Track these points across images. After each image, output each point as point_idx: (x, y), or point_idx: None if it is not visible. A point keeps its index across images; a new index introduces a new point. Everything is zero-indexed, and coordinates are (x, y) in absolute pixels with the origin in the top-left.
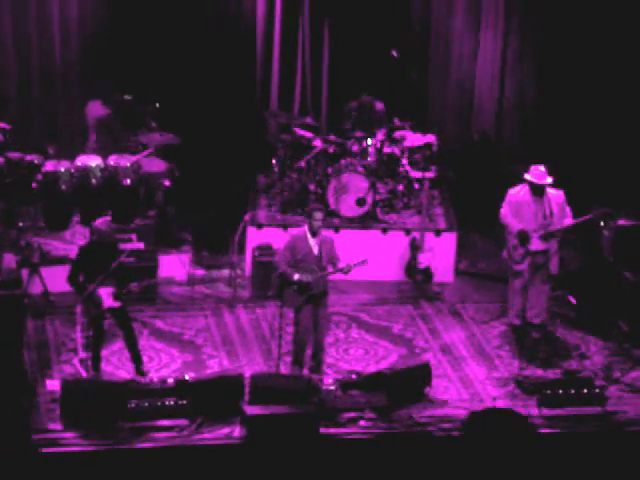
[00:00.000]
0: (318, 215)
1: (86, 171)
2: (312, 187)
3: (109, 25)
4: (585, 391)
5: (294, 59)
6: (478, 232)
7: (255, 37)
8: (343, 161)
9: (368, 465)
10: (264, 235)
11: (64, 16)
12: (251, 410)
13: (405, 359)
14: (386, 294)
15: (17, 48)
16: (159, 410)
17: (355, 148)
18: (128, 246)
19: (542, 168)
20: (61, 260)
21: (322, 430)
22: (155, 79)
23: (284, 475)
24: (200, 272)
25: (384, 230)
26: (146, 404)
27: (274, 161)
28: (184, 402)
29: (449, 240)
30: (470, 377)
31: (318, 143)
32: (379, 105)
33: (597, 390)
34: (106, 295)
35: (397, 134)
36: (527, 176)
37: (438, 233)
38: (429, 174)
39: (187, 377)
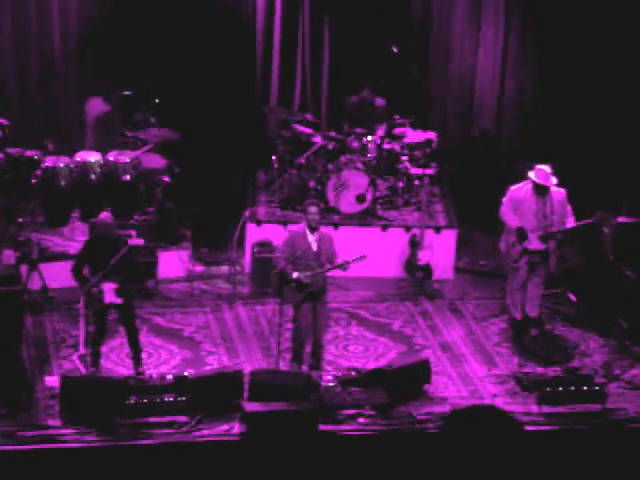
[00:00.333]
0: (312, 209)
1: (85, 167)
2: (312, 183)
3: (108, 21)
4: (585, 388)
5: (294, 55)
6: (478, 229)
7: (255, 33)
8: (343, 158)
9: (367, 462)
10: (263, 231)
11: (63, 12)
12: (250, 407)
13: (404, 356)
14: (386, 291)
15: (16, 44)
16: (158, 407)
17: (355, 145)
18: (135, 242)
19: (548, 169)
20: (60, 256)
21: (321, 427)
22: (155, 75)
23: (283, 472)
24: (199, 268)
25: (384, 227)
26: (145, 400)
27: (274, 157)
28: (183, 398)
29: (449, 237)
30: (469, 374)
31: (318, 139)
32: (379, 101)
33: (597, 387)
34: (108, 290)
35: (397, 131)
36: (531, 175)
37: (438, 230)
38: (429, 171)
39: (186, 374)
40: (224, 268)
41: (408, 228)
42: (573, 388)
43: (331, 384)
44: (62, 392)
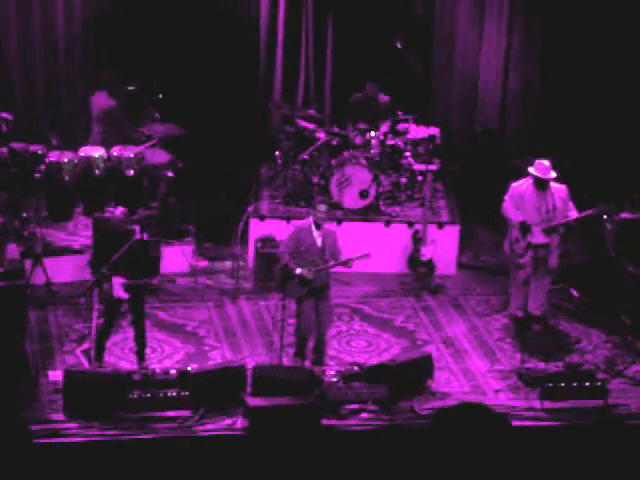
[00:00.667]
0: (322, 207)
1: (89, 162)
2: (315, 179)
3: (113, 16)
4: (587, 384)
5: (297, 50)
6: (481, 225)
7: (259, 28)
8: (346, 153)
9: (369, 457)
10: (267, 227)
11: (67, 7)
12: (253, 401)
13: (407, 351)
14: (389, 286)
15: (20, 39)
16: (161, 401)
17: (358, 140)
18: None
19: (546, 163)
20: (64, 251)
21: (324, 422)
22: (158, 70)
23: (286, 466)
24: (203, 263)
25: (387, 222)
26: (148, 395)
27: (277, 153)
28: (186, 393)
29: (452, 233)
30: (472, 370)
31: (321, 135)
32: (384, 97)
33: (599, 383)
34: (118, 285)
35: (400, 127)
36: (531, 170)
37: (441, 226)
38: (432, 167)
39: (189, 368)
40: (227, 263)
41: (411, 224)
42: (575, 384)
43: (334, 379)
44: (65, 386)
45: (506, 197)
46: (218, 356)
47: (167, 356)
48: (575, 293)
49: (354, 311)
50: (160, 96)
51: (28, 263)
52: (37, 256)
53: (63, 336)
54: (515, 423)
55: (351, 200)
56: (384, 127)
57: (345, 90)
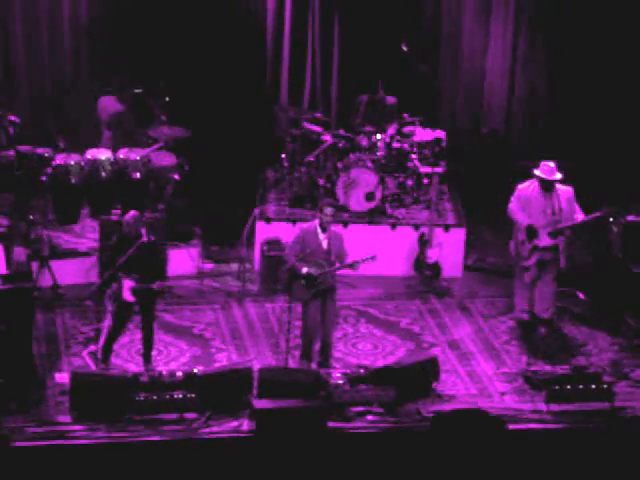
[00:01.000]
0: (329, 210)
1: (96, 164)
2: (321, 182)
3: (119, 18)
4: (593, 387)
5: (304, 53)
6: (487, 227)
7: (265, 31)
8: (352, 156)
9: (375, 459)
10: (273, 229)
11: (74, 11)
12: (259, 404)
13: (413, 354)
14: (395, 289)
15: (27, 43)
16: (168, 403)
17: (364, 143)
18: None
19: (552, 164)
20: (71, 253)
21: (330, 424)
22: (165, 73)
23: (292, 469)
24: (209, 266)
25: (393, 225)
26: (155, 397)
27: (283, 155)
28: (192, 395)
29: (458, 235)
30: (478, 372)
31: (327, 138)
32: (391, 100)
33: (605, 386)
34: (127, 288)
35: (406, 129)
36: (537, 172)
37: (447, 228)
38: (438, 169)
39: (196, 370)
40: (234, 266)
41: (417, 226)
42: (581, 386)
43: (340, 381)
44: (72, 388)
45: (512, 198)
46: (224, 358)
47: (173, 358)
48: (581, 296)
49: (360, 313)
50: (167, 99)
51: (35, 265)
52: (44, 258)
53: (70, 338)
54: (521, 426)
55: (357, 203)
56: (390, 129)
57: (351, 93)
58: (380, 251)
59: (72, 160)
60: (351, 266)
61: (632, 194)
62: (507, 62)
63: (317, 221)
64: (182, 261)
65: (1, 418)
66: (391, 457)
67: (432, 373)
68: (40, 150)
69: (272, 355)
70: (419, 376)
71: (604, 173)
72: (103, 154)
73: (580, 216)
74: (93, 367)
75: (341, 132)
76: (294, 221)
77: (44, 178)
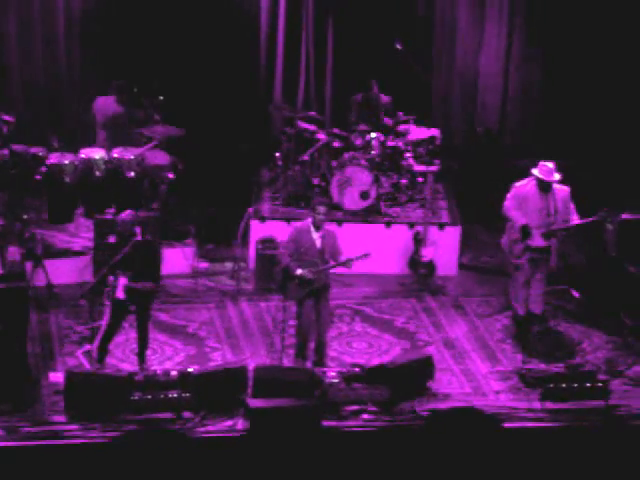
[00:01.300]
0: (322, 209)
1: (90, 163)
2: (316, 180)
3: (113, 16)
4: (588, 385)
5: (298, 52)
6: (482, 226)
7: (259, 30)
8: (347, 154)
9: (370, 458)
10: (268, 228)
11: (67, 7)
12: (254, 403)
13: (408, 352)
14: (389, 287)
15: (21, 42)
16: (163, 403)
17: (359, 142)
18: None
19: (551, 165)
20: (65, 252)
21: (325, 423)
22: (159, 72)
23: (286, 468)
24: (204, 265)
25: (388, 224)
26: (149, 397)
27: (278, 154)
28: (187, 395)
29: (453, 234)
30: (473, 371)
31: (322, 136)
32: (385, 98)
33: (600, 384)
34: (119, 286)
35: (401, 128)
36: (535, 172)
37: (441, 227)
38: (433, 168)
39: (190, 370)
40: (228, 265)
41: (412, 225)
42: (576, 385)
43: (335, 380)
44: (67, 388)
45: (508, 196)
46: (219, 357)
47: (168, 357)
48: (576, 294)
49: (355, 312)
50: (161, 98)
51: (29, 265)
52: (38, 258)
53: (64, 338)
54: (516, 424)
55: (352, 201)
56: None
57: (346, 91)
58: (375, 250)
59: (66, 159)
60: (345, 264)
61: (626, 193)
62: (501, 62)
63: (310, 220)
64: (176, 260)
65: None
66: (386, 456)
67: (427, 372)
68: (34, 149)
69: (267, 354)
70: (414, 375)
71: (598, 172)
72: (97, 153)
73: (575, 218)
74: (88, 366)
75: (335, 131)
76: (289, 220)
77: (38, 177)
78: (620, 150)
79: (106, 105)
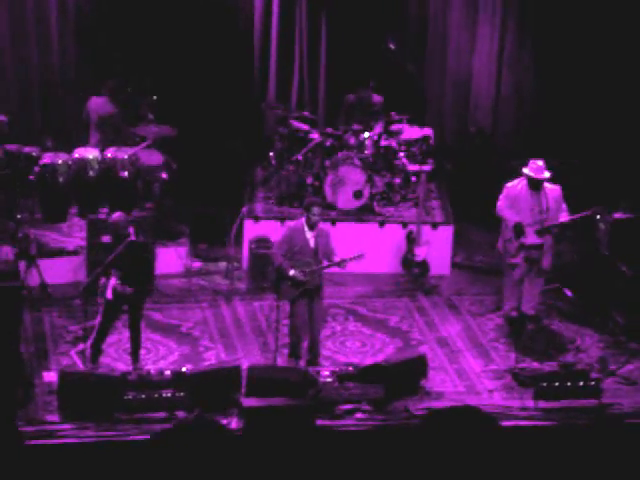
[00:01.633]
0: (316, 210)
1: (84, 163)
2: (309, 180)
3: (107, 16)
4: (581, 384)
5: (291, 51)
6: (474, 225)
7: (253, 29)
8: (340, 154)
9: (364, 457)
10: (261, 228)
11: (61, 6)
12: (248, 402)
13: (401, 351)
14: (383, 287)
15: (14, 42)
16: (156, 402)
17: (352, 141)
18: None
19: (540, 163)
20: (58, 252)
21: (318, 422)
22: (152, 71)
23: (280, 467)
24: (197, 264)
25: (381, 223)
26: (143, 396)
27: (271, 154)
28: (181, 394)
29: (446, 233)
30: (466, 369)
31: (315, 136)
32: (377, 98)
33: (593, 383)
34: (110, 286)
35: (394, 127)
36: (525, 170)
37: (435, 226)
38: (426, 167)
39: (184, 369)
40: (222, 264)
41: (405, 224)
42: (569, 383)
43: (328, 379)
44: (60, 388)
45: (501, 197)
46: (213, 357)
47: (162, 357)
48: (568, 293)
49: (348, 311)
50: (154, 97)
51: (23, 264)
52: (32, 257)
53: (57, 337)
54: (509, 423)
55: (345, 201)
56: (377, 128)
57: (339, 91)
58: (368, 249)
59: (60, 159)
60: (339, 264)
61: (619, 192)
62: (494, 61)
63: (304, 219)
64: (170, 260)
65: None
66: (379, 455)
67: (420, 371)
68: (27, 149)
69: (260, 353)
70: (407, 374)
71: (591, 171)
72: (91, 153)
73: (567, 215)
74: (81, 366)
75: (329, 130)
76: (282, 219)
77: (32, 177)
78: (613, 149)
79: (99, 105)
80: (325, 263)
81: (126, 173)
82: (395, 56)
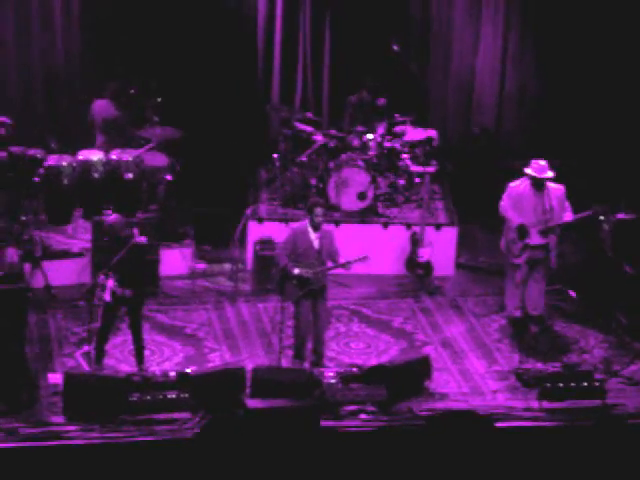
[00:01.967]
0: (319, 211)
1: (88, 165)
2: (313, 181)
3: (111, 17)
4: (585, 384)
5: (295, 53)
6: (478, 226)
7: (256, 31)
8: (344, 155)
9: (368, 458)
10: (265, 229)
11: (65, 7)
12: (253, 403)
13: (406, 353)
14: (387, 288)
15: (18, 44)
16: (161, 403)
17: (356, 142)
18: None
19: (543, 162)
20: (63, 254)
21: (323, 423)
22: (157, 73)
23: (284, 468)
24: (202, 266)
25: (385, 224)
26: (148, 397)
27: (275, 155)
28: (186, 395)
29: (449, 234)
30: (470, 370)
31: (319, 137)
32: (380, 99)
33: (597, 383)
34: (108, 288)
35: (397, 129)
36: (528, 170)
37: (438, 227)
38: (430, 169)
39: (189, 370)
40: (226, 266)
41: (409, 225)
42: (573, 384)
43: (333, 381)
44: (65, 389)
45: (504, 196)
46: (217, 358)
47: (166, 358)
48: (572, 294)
49: (353, 313)
50: (159, 99)
51: (27, 266)
52: (36, 259)
53: (62, 339)
54: (513, 423)
55: (349, 202)
56: (380, 129)
57: (343, 92)
58: (372, 250)
59: (64, 161)
60: (344, 266)
61: (623, 192)
62: (497, 61)
63: (307, 221)
64: (175, 261)
65: None
66: (384, 456)
67: (424, 372)
68: (32, 151)
69: (265, 355)
70: (411, 375)
71: (595, 171)
72: (95, 155)
73: (570, 215)
74: (86, 368)
75: (332, 132)
76: (286, 221)
77: (36, 179)
78: (616, 149)
79: (103, 108)
80: (329, 264)
81: (131, 175)
82: (398, 57)
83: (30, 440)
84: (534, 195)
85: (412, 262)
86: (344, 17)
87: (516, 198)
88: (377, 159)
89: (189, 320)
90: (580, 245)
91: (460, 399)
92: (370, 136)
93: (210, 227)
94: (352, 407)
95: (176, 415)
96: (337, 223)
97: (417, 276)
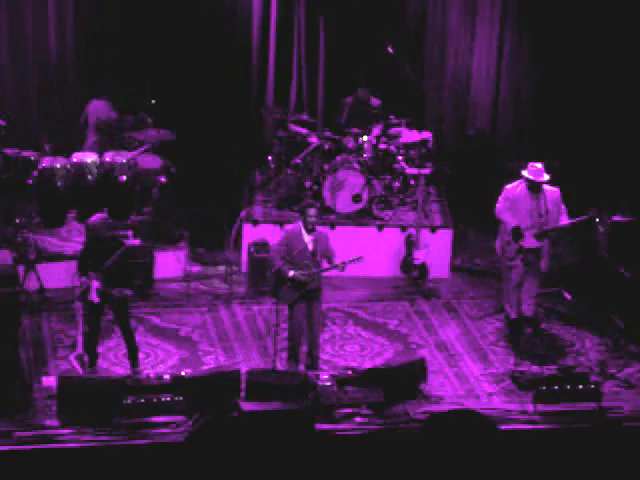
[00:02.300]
0: (311, 212)
1: (82, 168)
2: (308, 184)
3: (104, 20)
4: (580, 387)
5: (290, 55)
6: (473, 228)
7: (251, 33)
8: (339, 158)
9: (363, 461)
10: (260, 231)
11: (59, 10)
12: (247, 406)
13: (401, 355)
14: (382, 290)
15: (12, 45)
16: (155, 406)
17: (351, 145)
18: (131, 242)
19: (539, 165)
20: (57, 257)
21: (318, 426)
22: (151, 75)
23: (279, 471)
24: (196, 268)
25: (380, 227)
26: (142, 400)
27: (270, 158)
28: (180, 398)
29: (445, 236)
30: (466, 373)
31: (314, 139)
32: (375, 101)
33: (592, 386)
34: (92, 289)
35: (393, 131)
36: (524, 173)
37: (434, 230)
38: (425, 171)
39: (183, 373)
40: (221, 268)
41: (404, 228)
42: (569, 387)
43: (328, 383)
44: (59, 392)
45: (500, 199)
46: (212, 361)
47: (161, 361)
48: (568, 296)
49: (348, 315)
50: (153, 101)
51: (21, 269)
52: (30, 262)
53: (56, 342)
54: (508, 426)
55: (344, 204)
56: (376, 131)
57: (337, 94)
58: (367, 253)
59: (58, 163)
60: (338, 267)
61: (618, 194)
62: (493, 63)
63: (301, 222)
64: (169, 264)
65: None
66: (379, 459)
67: (420, 374)
68: (26, 153)
69: (260, 357)
70: (407, 377)
71: (590, 173)
72: (89, 157)
73: (566, 218)
74: (80, 371)
75: (327, 134)
76: (281, 223)
77: (30, 181)
78: (613, 151)
79: (100, 108)
80: (324, 266)
81: (125, 177)
82: (394, 59)
83: (24, 443)
84: (530, 198)
85: (407, 264)
86: (339, 18)
87: (512, 200)
88: (372, 161)
89: (183, 323)
90: (576, 247)
91: (455, 402)
92: (365, 138)
93: (205, 229)
94: (347, 410)
95: (170, 418)
96: (332, 225)
97: (412, 278)
